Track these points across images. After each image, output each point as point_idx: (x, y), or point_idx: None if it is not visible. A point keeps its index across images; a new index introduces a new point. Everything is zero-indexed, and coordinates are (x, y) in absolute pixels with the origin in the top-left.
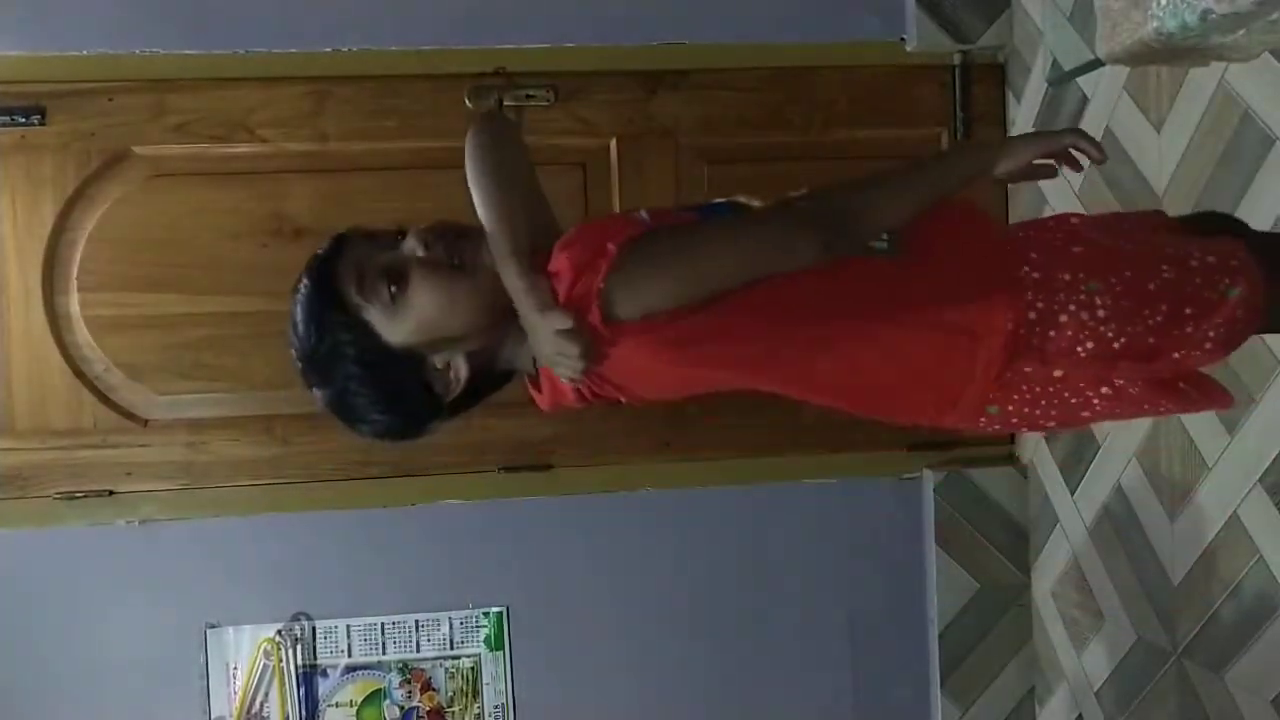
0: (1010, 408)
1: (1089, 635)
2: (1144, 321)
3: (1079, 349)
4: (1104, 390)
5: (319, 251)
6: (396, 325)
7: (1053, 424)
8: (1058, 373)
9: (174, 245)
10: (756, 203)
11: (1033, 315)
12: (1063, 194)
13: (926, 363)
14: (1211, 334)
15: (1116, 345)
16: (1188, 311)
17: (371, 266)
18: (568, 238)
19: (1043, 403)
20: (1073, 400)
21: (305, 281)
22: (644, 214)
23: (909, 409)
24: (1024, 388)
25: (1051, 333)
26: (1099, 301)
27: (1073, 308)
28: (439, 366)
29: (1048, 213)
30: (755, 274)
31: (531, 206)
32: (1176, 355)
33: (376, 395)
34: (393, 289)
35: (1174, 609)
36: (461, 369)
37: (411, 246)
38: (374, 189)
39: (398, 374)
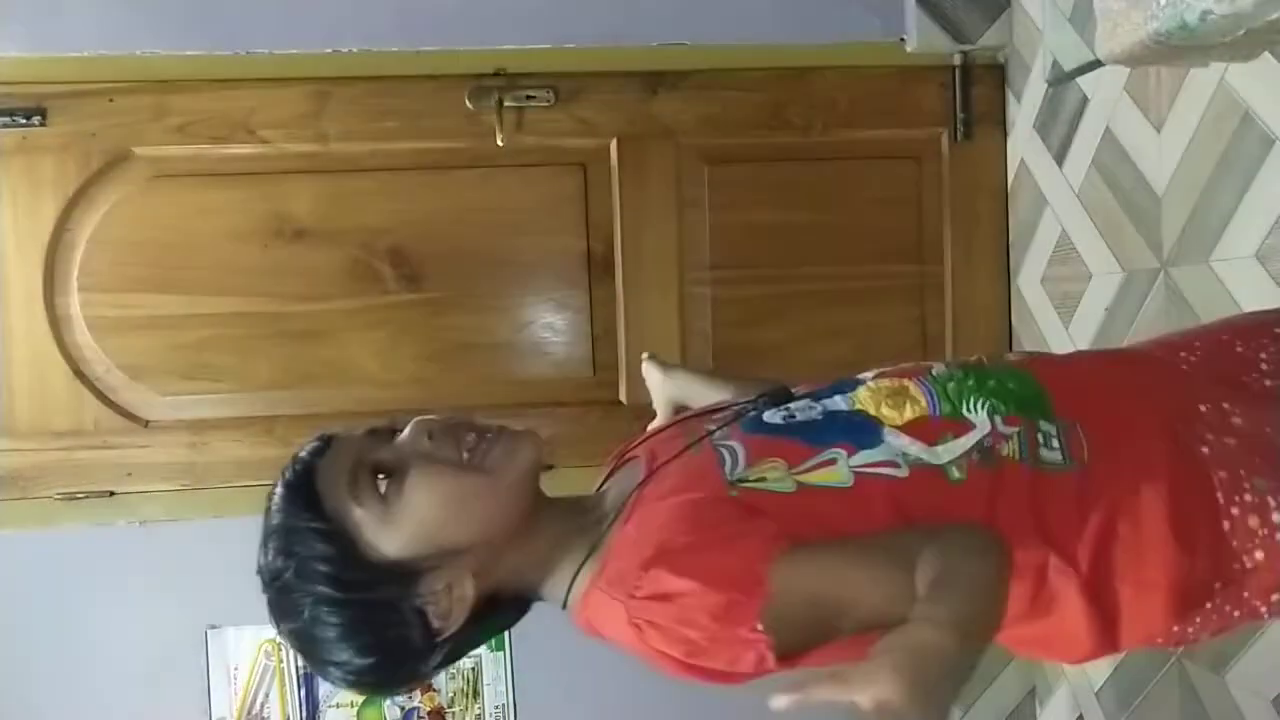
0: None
1: None
2: None
3: (1245, 559)
4: (1274, 598)
5: (301, 451)
6: (388, 530)
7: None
8: (1217, 584)
9: (175, 246)
10: (887, 412)
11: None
12: (1063, 194)
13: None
14: None
15: None
16: None
17: (364, 461)
18: (671, 543)
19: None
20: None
21: (279, 484)
22: (728, 457)
23: None
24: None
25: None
26: (1273, 502)
27: (1235, 511)
28: (436, 589)
29: (1048, 217)
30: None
31: None
32: None
33: (351, 626)
34: (382, 483)
35: None
36: (467, 590)
37: (414, 439)
38: (375, 190)
39: (382, 598)
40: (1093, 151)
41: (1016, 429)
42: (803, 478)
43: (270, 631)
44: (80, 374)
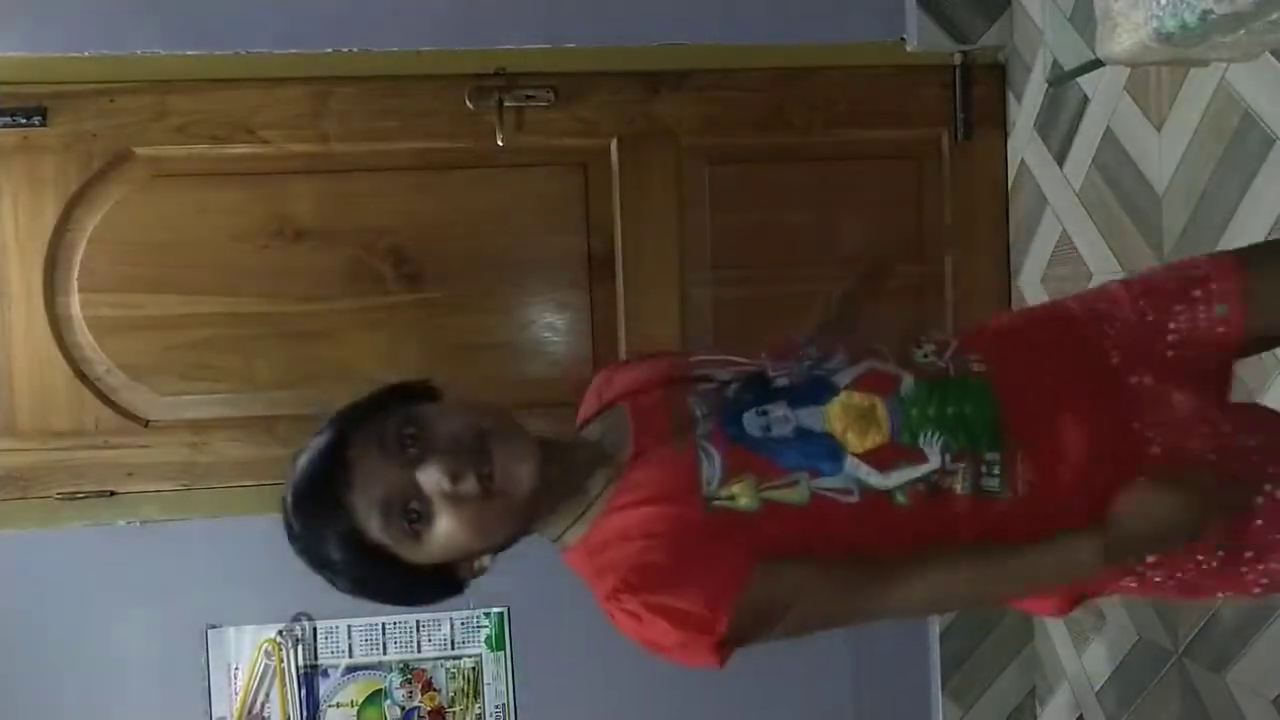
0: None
1: (1090, 635)
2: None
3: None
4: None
5: (313, 463)
6: (422, 553)
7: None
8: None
9: (175, 246)
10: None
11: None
12: (1064, 194)
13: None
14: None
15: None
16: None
17: (393, 502)
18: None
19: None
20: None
21: (306, 498)
22: (709, 462)
23: None
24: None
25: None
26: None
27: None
28: (465, 567)
29: (1048, 217)
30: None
31: None
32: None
33: (405, 594)
34: (415, 526)
35: (1174, 609)
36: (487, 563)
37: (436, 481)
38: (375, 190)
39: (425, 578)
40: (1093, 151)
41: (962, 465)
42: (767, 494)
43: (270, 631)
44: (81, 374)
